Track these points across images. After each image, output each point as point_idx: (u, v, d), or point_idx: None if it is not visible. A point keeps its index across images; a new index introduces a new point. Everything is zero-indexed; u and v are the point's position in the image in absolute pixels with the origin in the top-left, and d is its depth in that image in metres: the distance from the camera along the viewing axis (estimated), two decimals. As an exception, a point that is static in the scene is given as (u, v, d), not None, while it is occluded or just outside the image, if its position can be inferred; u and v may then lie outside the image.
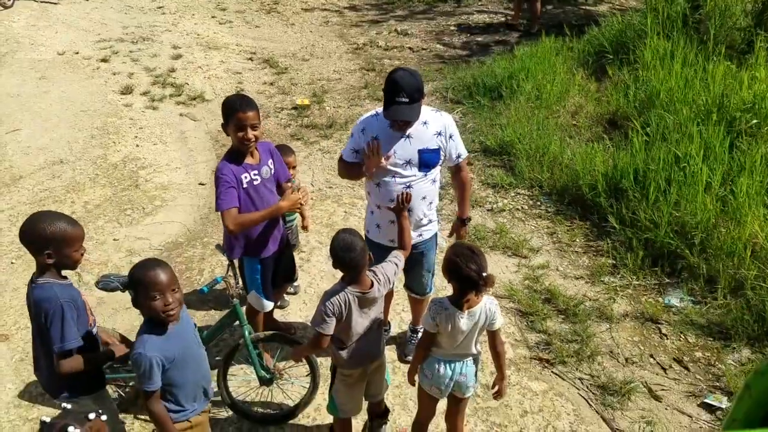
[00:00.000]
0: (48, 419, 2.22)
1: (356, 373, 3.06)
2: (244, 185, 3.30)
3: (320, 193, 5.91)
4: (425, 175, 3.37)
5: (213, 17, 11.15)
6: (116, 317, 4.33)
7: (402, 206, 3.18)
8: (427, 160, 3.34)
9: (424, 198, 3.42)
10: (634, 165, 5.42)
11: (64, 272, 2.71)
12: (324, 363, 3.60)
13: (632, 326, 4.38)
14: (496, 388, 3.07)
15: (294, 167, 4.11)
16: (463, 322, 2.81)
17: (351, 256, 2.77)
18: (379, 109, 3.34)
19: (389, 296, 3.96)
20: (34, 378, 3.34)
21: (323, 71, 8.90)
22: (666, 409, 3.74)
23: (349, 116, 7.42)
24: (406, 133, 3.29)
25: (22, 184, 5.98)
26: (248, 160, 3.37)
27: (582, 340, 4.19)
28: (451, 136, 3.38)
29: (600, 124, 6.72)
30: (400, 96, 3.11)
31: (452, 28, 10.55)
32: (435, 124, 3.35)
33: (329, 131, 7.07)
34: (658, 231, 4.86)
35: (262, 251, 3.51)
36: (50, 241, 2.56)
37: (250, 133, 3.25)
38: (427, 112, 3.36)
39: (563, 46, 8.27)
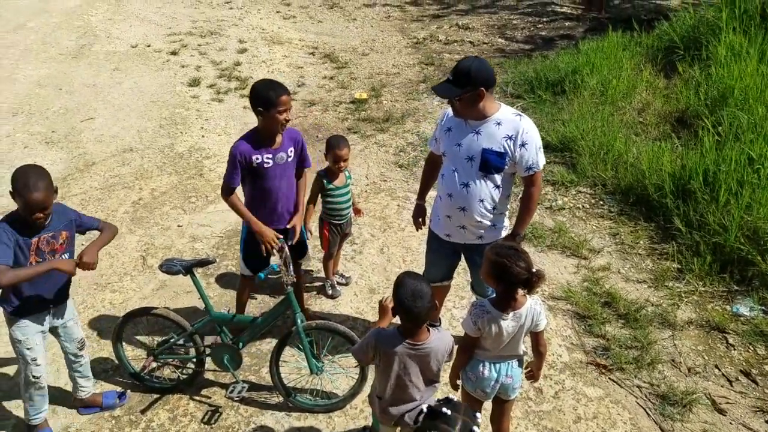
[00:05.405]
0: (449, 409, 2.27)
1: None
2: (254, 165, 3.40)
3: (374, 186, 5.92)
4: (485, 176, 3.21)
5: (278, 12, 11.36)
6: (177, 300, 4.47)
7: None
8: (487, 162, 3.16)
9: (481, 201, 3.25)
10: (703, 165, 5.17)
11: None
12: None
13: (697, 334, 4.19)
14: (530, 369, 3.04)
15: (346, 160, 4.12)
16: (508, 324, 2.72)
17: (420, 306, 2.48)
18: None
19: (443, 291, 3.91)
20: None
21: (382, 65, 8.92)
22: (730, 423, 3.56)
23: (405, 110, 7.41)
24: (477, 129, 3.19)
25: (95, 170, 6.26)
26: (268, 143, 3.45)
27: (642, 347, 4.03)
28: (523, 144, 3.15)
29: (668, 122, 6.45)
30: (450, 74, 3.15)
31: (515, 21, 10.36)
32: (507, 127, 3.15)
33: (385, 125, 7.08)
34: (728, 235, 4.63)
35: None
36: None
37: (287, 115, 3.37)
38: (505, 113, 3.20)
39: (631, 41, 8.00)
